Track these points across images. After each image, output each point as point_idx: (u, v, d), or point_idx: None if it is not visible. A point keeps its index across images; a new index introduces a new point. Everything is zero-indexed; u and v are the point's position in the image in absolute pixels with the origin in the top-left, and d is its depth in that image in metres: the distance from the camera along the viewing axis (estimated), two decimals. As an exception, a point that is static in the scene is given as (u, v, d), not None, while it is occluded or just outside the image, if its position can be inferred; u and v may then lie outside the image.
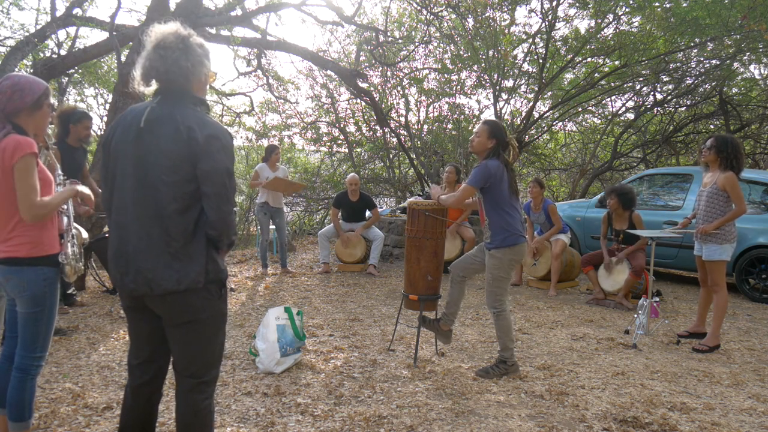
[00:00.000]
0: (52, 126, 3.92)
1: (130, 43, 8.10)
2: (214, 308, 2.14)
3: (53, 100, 2.61)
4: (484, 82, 12.17)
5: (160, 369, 2.28)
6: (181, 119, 2.03)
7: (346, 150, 14.04)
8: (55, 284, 2.52)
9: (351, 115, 14.13)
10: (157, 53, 2.07)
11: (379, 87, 12.94)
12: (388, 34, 11.56)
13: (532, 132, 13.02)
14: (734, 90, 12.60)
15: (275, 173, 7.30)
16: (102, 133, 10.42)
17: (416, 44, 12.24)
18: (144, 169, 2.04)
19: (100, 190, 4.63)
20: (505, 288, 3.86)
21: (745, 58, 11.05)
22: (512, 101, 12.92)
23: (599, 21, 10.60)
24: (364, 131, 14.02)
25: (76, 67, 10.74)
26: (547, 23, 10.71)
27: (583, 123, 14.74)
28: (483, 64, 11.18)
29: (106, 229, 6.55)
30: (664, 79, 11.93)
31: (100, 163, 2.31)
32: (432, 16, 10.44)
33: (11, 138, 2.37)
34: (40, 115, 2.52)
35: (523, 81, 12.52)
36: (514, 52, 11.85)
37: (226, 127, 2.17)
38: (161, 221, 2.03)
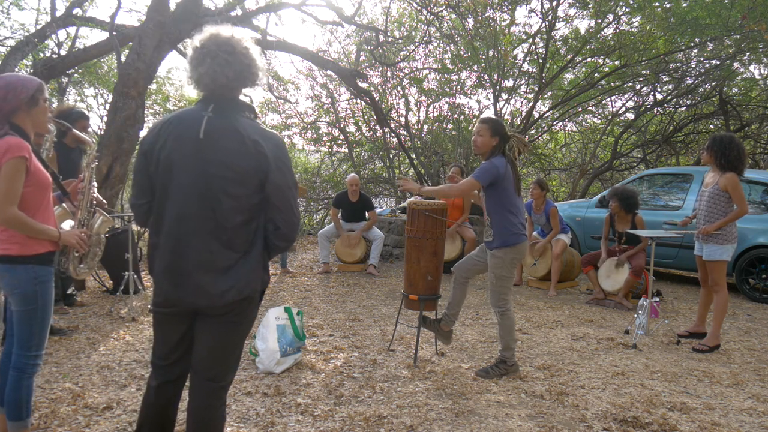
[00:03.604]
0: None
1: (130, 43, 8.10)
2: (254, 314, 2.20)
3: (48, 95, 2.58)
4: (484, 82, 12.17)
5: (185, 369, 2.26)
6: (245, 132, 2.02)
7: (346, 150, 14.04)
8: (47, 283, 2.50)
9: (351, 115, 14.12)
10: (223, 58, 2.02)
11: (379, 87, 12.94)
12: (388, 34, 11.56)
13: (532, 132, 13.02)
14: (734, 90, 12.59)
15: None
16: (103, 133, 10.40)
17: (416, 44, 12.24)
18: (205, 182, 2.02)
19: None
20: (508, 287, 3.86)
21: (745, 58, 11.05)
22: (512, 101, 12.95)
23: (599, 21, 10.60)
24: (364, 131, 14.02)
25: (76, 67, 10.73)
26: (547, 23, 10.72)
27: (583, 123, 14.74)
28: (483, 64, 11.18)
29: (106, 229, 6.54)
30: (664, 79, 11.93)
31: (136, 167, 2.25)
32: (432, 16, 10.44)
33: (5, 140, 2.35)
34: (38, 112, 2.49)
35: (523, 81, 12.52)
36: (514, 52, 11.86)
37: (282, 139, 2.17)
38: (223, 233, 2.02)
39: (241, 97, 2.16)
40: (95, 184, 2.96)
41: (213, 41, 2.03)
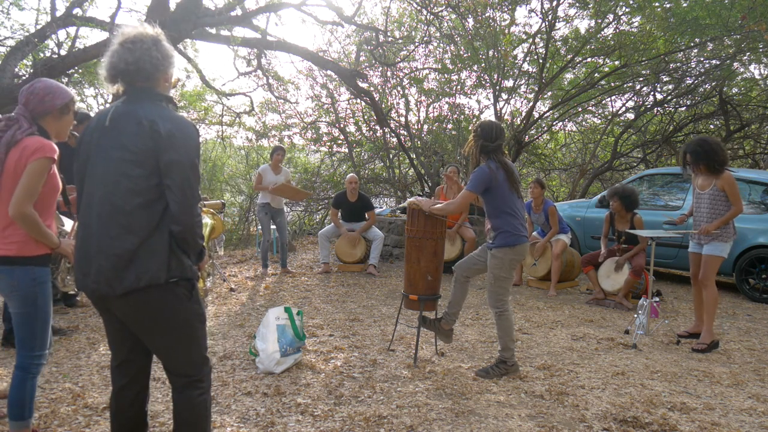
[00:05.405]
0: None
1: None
2: (186, 310, 2.11)
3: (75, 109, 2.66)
4: (484, 82, 12.16)
5: (139, 370, 2.26)
6: (143, 114, 2.05)
7: (346, 150, 14.04)
8: (46, 284, 2.50)
9: (351, 115, 14.12)
10: (125, 47, 2.11)
11: (379, 87, 12.93)
12: (388, 34, 11.55)
13: (532, 132, 13.01)
14: (734, 90, 12.59)
15: (278, 176, 7.30)
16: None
17: (416, 44, 12.24)
18: (108, 166, 2.06)
19: None
20: (506, 288, 3.86)
21: (745, 58, 11.05)
22: (512, 101, 12.93)
23: (599, 21, 10.60)
24: (364, 131, 14.01)
25: (76, 67, 10.71)
26: (547, 23, 10.71)
27: (583, 123, 14.73)
28: (483, 64, 11.18)
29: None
30: (664, 79, 11.92)
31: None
32: (432, 16, 10.44)
33: (36, 138, 2.42)
34: (65, 121, 2.58)
35: (523, 81, 12.51)
36: (514, 52, 11.85)
37: (191, 122, 2.18)
38: (123, 217, 2.01)
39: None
40: None
41: (120, 38, 2.14)
